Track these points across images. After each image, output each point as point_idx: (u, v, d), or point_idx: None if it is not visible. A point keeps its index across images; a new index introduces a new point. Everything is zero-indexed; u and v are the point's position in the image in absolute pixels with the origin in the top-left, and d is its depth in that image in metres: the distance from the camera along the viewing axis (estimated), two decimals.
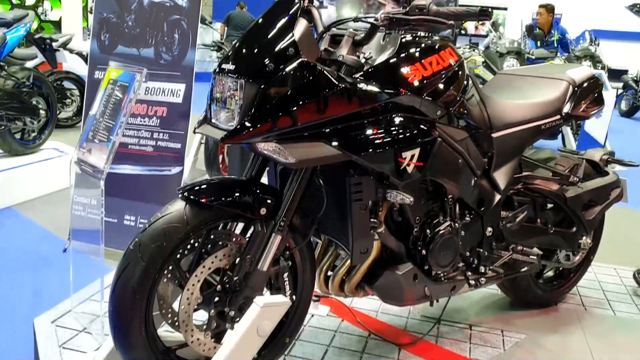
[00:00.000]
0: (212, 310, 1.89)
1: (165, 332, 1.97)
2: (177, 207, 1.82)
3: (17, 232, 4.00)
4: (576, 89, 2.63)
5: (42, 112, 5.03)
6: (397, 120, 1.94)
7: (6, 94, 4.66)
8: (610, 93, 6.53)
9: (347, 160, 1.87)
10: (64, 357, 2.20)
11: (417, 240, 2.17)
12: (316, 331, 2.55)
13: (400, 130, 1.94)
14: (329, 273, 2.24)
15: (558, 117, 2.57)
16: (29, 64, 5.60)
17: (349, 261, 2.14)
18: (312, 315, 2.66)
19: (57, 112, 5.73)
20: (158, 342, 1.87)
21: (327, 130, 1.81)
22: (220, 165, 5.00)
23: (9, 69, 4.89)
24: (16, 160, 4.94)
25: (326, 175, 1.98)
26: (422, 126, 2.01)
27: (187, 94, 3.52)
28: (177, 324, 1.89)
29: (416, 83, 1.97)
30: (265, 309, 1.76)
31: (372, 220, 2.00)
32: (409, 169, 1.98)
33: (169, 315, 1.93)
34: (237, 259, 1.89)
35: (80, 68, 7.36)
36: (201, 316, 1.92)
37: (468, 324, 2.73)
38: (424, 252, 2.17)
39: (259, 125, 1.76)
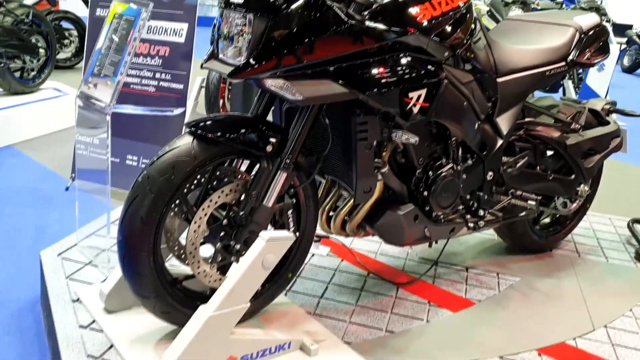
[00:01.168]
0: (218, 244, 1.93)
1: (172, 267, 2.02)
2: (185, 141, 1.84)
3: (19, 170, 4.03)
4: (582, 35, 2.62)
5: (41, 50, 4.98)
6: (405, 60, 1.94)
7: (5, 31, 4.61)
8: (613, 47, 6.49)
9: (353, 99, 1.88)
10: (71, 288, 2.25)
11: (420, 181, 2.20)
12: (317, 269, 2.61)
13: (407, 70, 1.94)
14: (331, 213, 2.28)
15: (563, 63, 2.57)
16: (28, 1, 5.49)
17: (351, 201, 2.17)
18: (313, 255, 2.72)
19: (57, 51, 5.66)
20: (165, 274, 1.92)
21: (335, 67, 1.82)
22: (221, 109, 5.00)
23: (8, 5, 4.82)
24: (16, 99, 4.93)
25: (332, 114, 2.00)
26: (429, 67, 2.01)
27: (189, 34, 3.49)
28: (183, 256, 1.94)
29: (425, 23, 1.96)
30: (270, 243, 1.81)
31: (376, 160, 2.02)
32: (415, 110, 1.99)
33: (176, 249, 1.98)
34: (243, 195, 1.92)
35: (79, 9, 7.25)
36: (207, 251, 1.97)
37: (464, 266, 2.80)
38: (425, 193, 2.20)
39: (267, 61, 1.76)
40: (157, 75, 3.54)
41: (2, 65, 4.66)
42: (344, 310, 2.32)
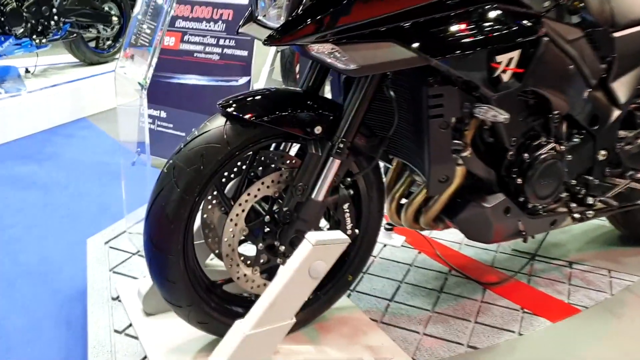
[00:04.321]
0: (260, 244, 1.63)
1: (211, 267, 1.75)
2: (217, 124, 1.52)
3: (89, 143, 3.91)
4: None
5: (114, 18, 4.83)
6: (492, 12, 1.51)
7: (76, 0, 4.48)
8: None
9: (424, 65, 1.48)
10: (113, 283, 2.04)
11: (512, 166, 1.78)
12: (388, 264, 2.26)
13: (495, 26, 1.52)
14: (403, 200, 1.91)
15: None
16: None
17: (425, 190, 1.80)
18: (384, 246, 2.37)
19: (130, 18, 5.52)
20: (200, 277, 1.64)
21: (400, 26, 1.43)
22: (297, 75, 4.68)
23: None
24: (92, 69, 4.83)
25: (398, 85, 1.61)
26: (523, 21, 1.57)
27: None
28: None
29: None
30: (318, 247, 1.47)
31: (455, 141, 1.62)
32: (505, 77, 1.57)
33: (216, 246, 1.70)
34: (289, 186, 1.60)
35: None
36: (250, 250, 1.67)
37: (567, 260, 2.34)
38: (519, 180, 1.78)
39: (312, 22, 1.40)
40: (221, 41, 3.26)
41: (75, 35, 4.56)
42: (418, 317, 1.96)
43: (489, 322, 1.95)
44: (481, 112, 1.56)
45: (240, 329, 1.47)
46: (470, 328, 1.92)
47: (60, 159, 3.55)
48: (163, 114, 3.47)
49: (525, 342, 1.88)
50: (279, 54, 4.72)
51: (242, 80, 3.25)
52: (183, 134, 3.41)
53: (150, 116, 3.44)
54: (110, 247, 2.27)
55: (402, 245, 2.39)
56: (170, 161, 1.52)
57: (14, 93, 4.11)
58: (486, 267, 2.27)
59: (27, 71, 4.48)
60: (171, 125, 3.45)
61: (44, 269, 2.32)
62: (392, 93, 1.59)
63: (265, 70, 4.84)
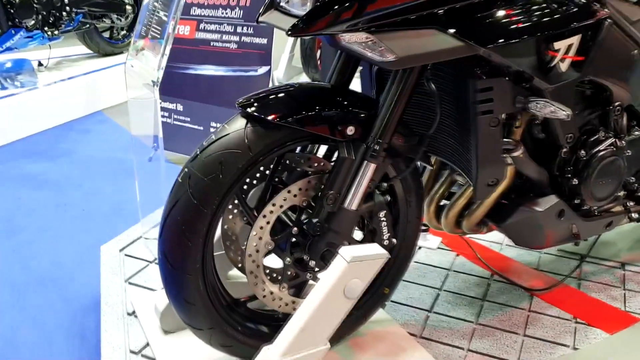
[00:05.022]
0: (288, 258, 1.46)
1: (234, 272, 1.59)
2: (237, 126, 1.35)
3: (105, 138, 3.77)
4: None
5: (128, 7, 4.68)
6: None
7: None
8: None
9: (471, 54, 1.29)
10: (128, 295, 1.90)
11: (566, 164, 1.59)
12: (424, 269, 2.08)
13: (553, 9, 1.32)
14: (443, 202, 1.73)
15: None
16: None
17: (468, 192, 1.62)
18: (419, 248, 2.19)
19: None
20: (221, 295, 1.49)
21: (444, 11, 1.24)
22: (318, 62, 4.48)
23: None
24: (107, 60, 4.70)
25: (440, 77, 1.42)
26: (584, 1, 1.37)
27: None
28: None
29: None
30: (354, 264, 1.30)
31: (505, 140, 1.43)
32: (563, 67, 1.38)
33: (239, 259, 1.54)
34: (319, 194, 1.42)
35: None
36: (275, 261, 1.51)
37: (619, 261, 2.15)
38: (575, 181, 1.58)
39: (342, 8, 1.22)
40: (239, 29, 3.08)
41: (88, 26, 4.42)
42: (461, 330, 1.78)
43: (539, 334, 1.77)
44: (537, 107, 1.36)
45: (268, 356, 1.31)
46: (520, 342, 1.74)
47: (74, 156, 3.42)
48: (180, 107, 3.31)
49: (581, 357, 1.69)
50: (298, 40, 4.53)
51: (262, 69, 3.08)
52: (201, 128, 3.25)
53: (165, 109, 3.29)
54: (126, 255, 2.13)
55: (439, 247, 2.21)
56: (186, 169, 1.36)
57: (28, 88, 3.99)
58: (531, 271, 2.08)
59: (40, 64, 4.36)
60: (188, 119, 3.29)
61: (55, 275, 2.19)
62: (433, 86, 1.40)
63: (284, 57, 4.66)
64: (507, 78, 1.37)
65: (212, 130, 3.25)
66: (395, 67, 1.28)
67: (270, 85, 3.01)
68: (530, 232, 1.63)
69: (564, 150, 1.56)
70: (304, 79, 4.59)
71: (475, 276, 2.05)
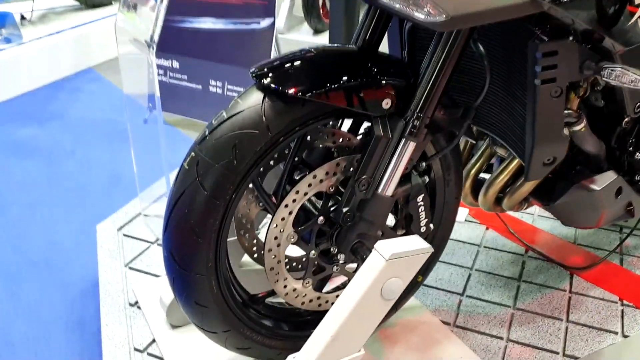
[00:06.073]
0: (313, 251, 1.27)
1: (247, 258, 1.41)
2: (252, 101, 1.14)
3: (97, 98, 3.53)
4: None
5: None
6: None
7: None
8: None
9: (531, 14, 1.07)
10: (129, 282, 1.72)
11: (628, 136, 1.38)
12: (453, 245, 1.90)
13: None
14: (482, 175, 1.54)
15: None
16: None
17: (512, 166, 1.42)
18: None
19: None
20: (236, 294, 1.31)
21: None
22: (321, 11, 4.20)
23: None
24: (95, 12, 4.39)
25: (492, 39, 1.21)
26: None
27: None
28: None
29: None
30: (393, 262, 1.12)
31: (566, 111, 1.23)
32: None
33: (254, 248, 1.36)
34: (348, 178, 1.22)
35: None
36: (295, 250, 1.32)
37: None
38: (637, 155, 1.39)
39: None
40: None
41: None
42: (498, 316, 1.62)
43: (584, 320, 1.61)
44: (613, 74, 1.14)
45: None
46: (563, 329, 1.58)
47: (65, 119, 3.19)
48: (175, 64, 3.07)
49: (633, 346, 1.54)
50: None
51: (265, 22, 2.81)
52: (200, 87, 3.02)
53: (160, 67, 3.04)
54: (124, 235, 1.94)
55: (466, 220, 2.03)
56: (193, 154, 1.15)
57: (14, 43, 3.71)
58: (569, 246, 1.91)
59: (22, 18, 4.06)
60: (185, 77, 3.05)
61: (50, 257, 2.01)
62: (482, 48, 1.18)
63: (284, 5, 4.37)
64: (575, 40, 1.15)
65: (211, 89, 3.02)
66: (446, 28, 1.06)
67: (274, 41, 2.76)
68: (584, 211, 1.44)
69: (626, 120, 1.36)
70: (305, 29, 4.32)
71: (509, 252, 1.87)
